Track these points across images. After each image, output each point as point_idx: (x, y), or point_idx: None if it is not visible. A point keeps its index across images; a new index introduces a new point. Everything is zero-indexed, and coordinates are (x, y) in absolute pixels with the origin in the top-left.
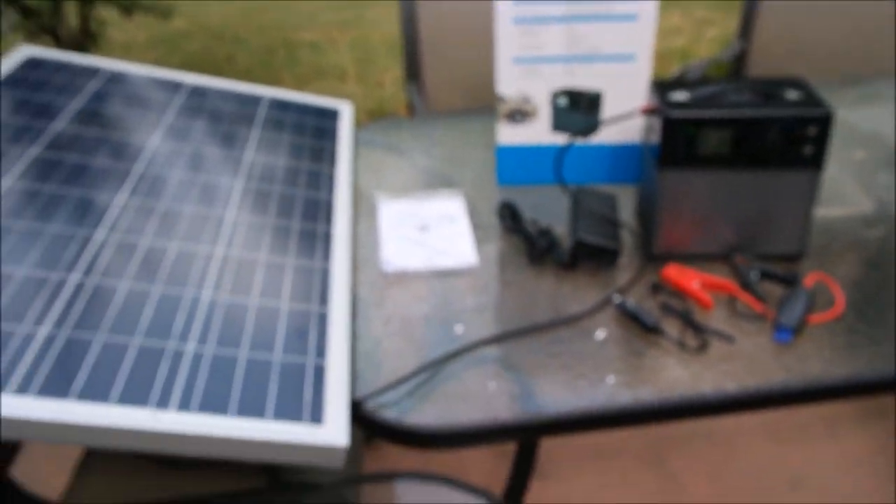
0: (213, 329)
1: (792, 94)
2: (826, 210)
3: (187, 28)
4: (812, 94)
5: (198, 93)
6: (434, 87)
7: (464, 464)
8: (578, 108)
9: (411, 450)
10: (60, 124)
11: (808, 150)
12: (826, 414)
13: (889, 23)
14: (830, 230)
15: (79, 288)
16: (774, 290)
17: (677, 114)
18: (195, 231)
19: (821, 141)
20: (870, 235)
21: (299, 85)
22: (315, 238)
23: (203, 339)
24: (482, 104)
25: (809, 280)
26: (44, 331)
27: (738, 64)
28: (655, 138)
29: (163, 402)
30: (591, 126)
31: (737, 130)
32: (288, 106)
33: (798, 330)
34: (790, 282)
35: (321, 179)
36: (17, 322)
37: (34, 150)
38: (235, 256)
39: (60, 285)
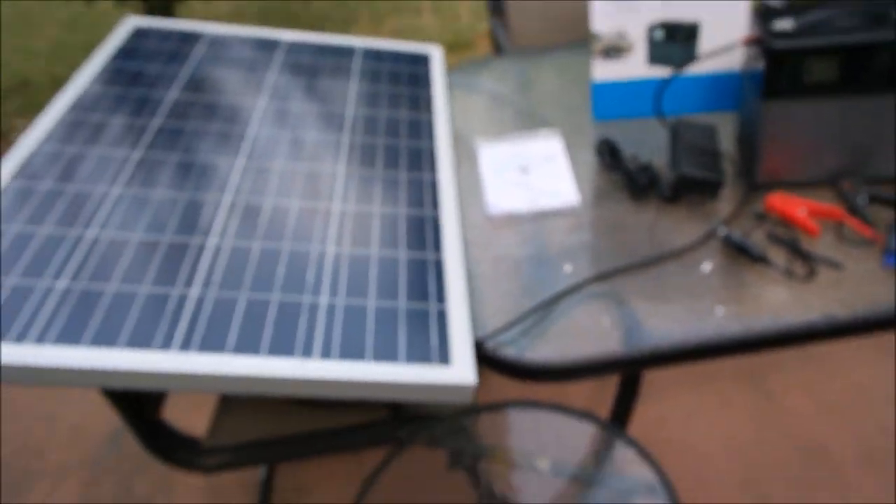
0: (341, 281)
1: None
2: None
3: None
4: None
5: (295, 49)
6: (518, 20)
7: (566, 391)
8: (676, 40)
9: (517, 381)
10: (174, 93)
11: None
12: None
13: None
14: None
15: (217, 251)
16: (883, 213)
17: (781, 44)
18: (311, 189)
19: None
20: None
21: (376, 22)
22: (422, 186)
23: (334, 292)
24: (567, 37)
25: None
26: (195, 291)
27: None
28: (758, 68)
29: (307, 352)
30: (689, 58)
31: (843, 58)
32: (381, 55)
33: None
34: None
35: (421, 128)
36: (170, 285)
37: (157, 121)
38: (352, 211)
39: (201, 249)
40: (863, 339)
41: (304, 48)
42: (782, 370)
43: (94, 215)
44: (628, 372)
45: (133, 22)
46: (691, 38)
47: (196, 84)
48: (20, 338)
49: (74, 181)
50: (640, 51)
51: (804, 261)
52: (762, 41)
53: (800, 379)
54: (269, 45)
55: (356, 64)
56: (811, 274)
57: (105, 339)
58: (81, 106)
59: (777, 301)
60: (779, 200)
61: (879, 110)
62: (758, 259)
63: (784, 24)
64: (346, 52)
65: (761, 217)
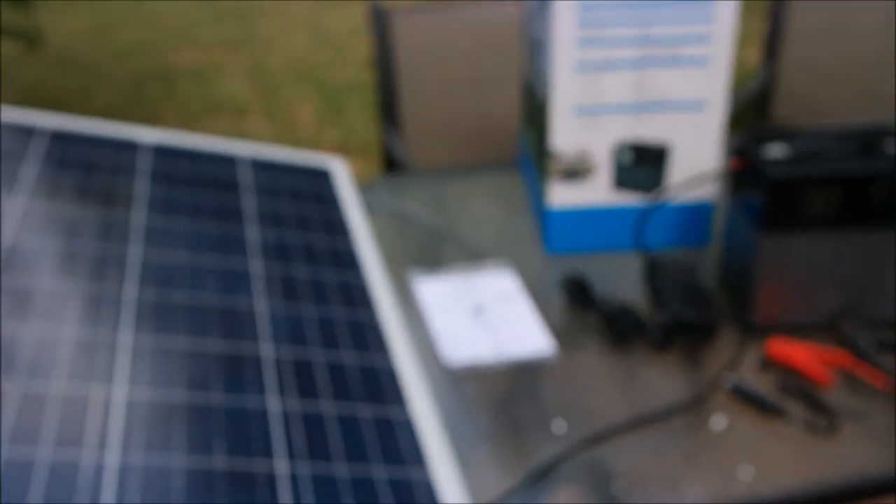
0: (298, 444)
1: (891, 146)
2: None
3: (18, 51)
4: None
5: (163, 153)
6: (419, 134)
7: None
8: (644, 163)
9: None
10: (22, 199)
11: None
12: None
13: None
14: None
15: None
16: (893, 360)
17: (781, 172)
18: (232, 327)
19: None
20: None
21: (188, 125)
22: (364, 328)
23: (293, 456)
24: (479, 156)
25: None
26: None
27: (763, 97)
28: (754, 198)
29: None
30: (658, 183)
31: (844, 188)
32: (272, 167)
33: None
34: None
35: (343, 256)
36: None
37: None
38: (288, 357)
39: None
40: None
41: (174, 153)
42: None
43: None
44: None
45: None
46: (660, 162)
47: (43, 195)
48: None
49: None
50: (603, 174)
51: (823, 413)
52: (757, 168)
53: None
54: (128, 147)
55: (244, 176)
56: (833, 427)
57: None
58: None
59: (803, 458)
60: (781, 346)
61: (880, 246)
62: (774, 411)
63: (777, 150)
64: (227, 161)
65: (765, 365)
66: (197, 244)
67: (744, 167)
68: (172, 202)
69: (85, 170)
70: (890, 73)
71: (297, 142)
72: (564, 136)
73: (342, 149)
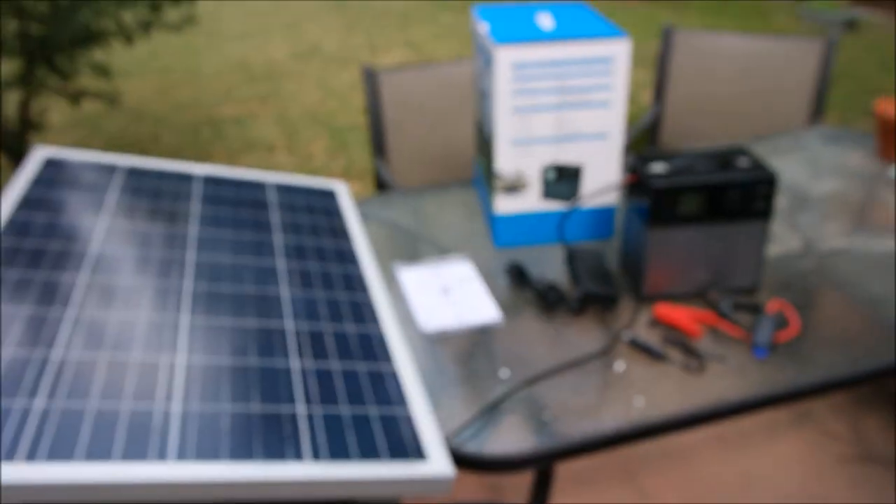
0: (312, 393)
1: (742, 161)
2: (767, 249)
3: (102, 108)
4: (757, 159)
5: (211, 182)
6: (401, 161)
7: (499, 488)
8: (564, 180)
9: (479, 473)
10: (105, 221)
11: (760, 204)
12: (763, 420)
13: (780, 85)
14: (774, 265)
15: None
16: (744, 317)
17: (661, 183)
18: (264, 309)
19: (769, 197)
20: (803, 267)
21: (230, 159)
22: (361, 307)
23: (309, 401)
24: (444, 175)
25: (771, 307)
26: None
27: (654, 127)
28: (643, 203)
29: (298, 455)
30: (575, 193)
31: (707, 194)
32: (291, 189)
33: (770, 348)
34: (756, 309)
35: (345, 255)
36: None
37: (93, 247)
38: (305, 329)
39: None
40: (710, 431)
41: (220, 181)
42: (652, 468)
43: None
44: (569, 459)
45: (42, 153)
46: (576, 178)
47: (124, 213)
48: None
49: None
50: (535, 188)
51: (695, 357)
52: (644, 181)
53: (668, 475)
54: (184, 178)
55: (272, 197)
56: (702, 367)
57: None
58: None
59: (680, 390)
60: (664, 309)
61: (732, 236)
62: (659, 357)
63: (658, 167)
64: (258, 187)
65: (653, 324)
66: (237, 249)
67: (635, 180)
68: (218, 218)
69: (153, 196)
70: (745, 107)
71: (311, 170)
72: (505, 161)
73: (345, 175)
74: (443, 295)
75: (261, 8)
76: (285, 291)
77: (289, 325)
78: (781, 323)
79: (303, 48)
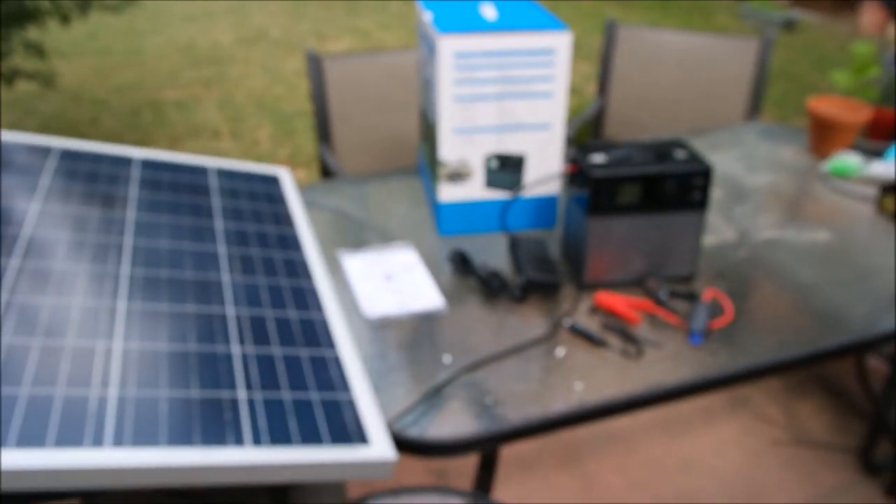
0: (254, 378)
1: (679, 154)
2: (703, 239)
3: (37, 89)
4: (693, 152)
5: (150, 165)
6: (346, 148)
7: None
8: (507, 169)
9: (420, 457)
10: (36, 206)
11: (696, 195)
12: (702, 406)
13: (719, 81)
14: (708, 254)
15: None
16: (681, 304)
17: (600, 173)
18: (203, 295)
19: (705, 188)
20: (738, 256)
21: (173, 144)
22: (304, 293)
23: (250, 387)
24: (390, 163)
25: (706, 295)
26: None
27: (598, 119)
28: (583, 192)
29: (238, 440)
30: (518, 183)
31: (645, 184)
32: (233, 175)
33: (705, 334)
34: (692, 297)
35: (288, 241)
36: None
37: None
38: (246, 315)
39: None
40: (652, 417)
41: (159, 165)
42: (596, 453)
43: None
44: (509, 442)
45: None
46: (519, 167)
47: (58, 196)
48: None
49: None
50: (478, 177)
51: (633, 343)
52: (584, 171)
53: (611, 459)
54: (123, 162)
55: (213, 182)
56: (640, 352)
57: None
58: None
59: (619, 375)
60: (604, 297)
61: (669, 225)
62: (599, 343)
63: (598, 157)
64: (199, 171)
65: (593, 310)
66: (176, 234)
67: (576, 170)
68: (157, 202)
69: (89, 179)
70: (686, 102)
71: (257, 157)
72: (449, 149)
73: (291, 162)
74: (386, 281)
75: None
76: (226, 277)
77: (230, 310)
78: (716, 310)
79: (248, 33)
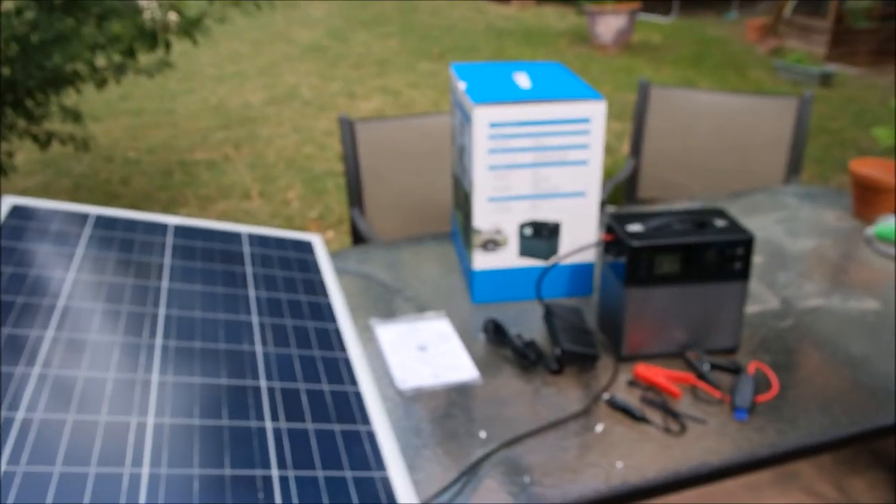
0: (287, 455)
1: (719, 222)
2: (746, 308)
3: (70, 149)
4: (733, 220)
5: (183, 232)
6: (378, 212)
7: None
8: (541, 236)
9: None
10: (73, 274)
11: (737, 265)
12: (749, 481)
13: (756, 141)
14: (752, 324)
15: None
16: (724, 378)
17: (638, 242)
18: (236, 369)
19: (746, 258)
20: (782, 326)
21: (203, 205)
22: (338, 364)
23: (283, 464)
24: (424, 228)
25: (751, 368)
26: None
27: (631, 181)
28: (620, 262)
29: None
30: (553, 251)
31: (685, 253)
32: (266, 241)
33: (751, 409)
34: (736, 371)
35: (322, 309)
36: None
37: (61, 302)
38: (278, 387)
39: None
40: (693, 492)
41: (192, 231)
42: None
43: None
44: None
45: (10, 201)
46: (554, 235)
47: (92, 266)
48: None
49: None
50: (512, 244)
51: (675, 418)
52: (622, 240)
53: None
54: (158, 228)
55: (246, 248)
56: (682, 429)
57: None
58: None
59: (661, 452)
60: (643, 369)
61: (710, 296)
62: (639, 419)
63: (635, 226)
64: (232, 238)
65: (633, 384)
66: (210, 303)
67: (613, 239)
68: (191, 270)
69: (124, 247)
70: (722, 163)
71: (287, 217)
72: (483, 217)
73: (321, 222)
74: (420, 352)
75: (237, 52)
76: (259, 348)
77: (263, 383)
78: (761, 384)
79: (279, 93)
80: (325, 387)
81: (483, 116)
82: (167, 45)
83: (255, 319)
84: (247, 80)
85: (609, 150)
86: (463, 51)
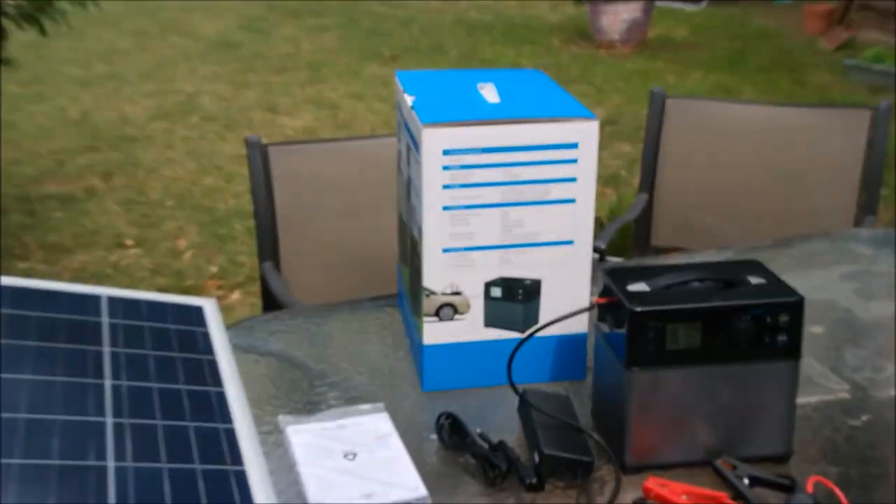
0: None
1: (755, 279)
2: (800, 398)
3: None
4: (775, 277)
5: (14, 296)
6: (296, 268)
7: None
8: (515, 299)
9: None
10: None
11: (782, 338)
12: None
13: (813, 170)
14: (810, 421)
15: None
16: (772, 496)
17: (643, 307)
18: (80, 489)
19: (795, 328)
20: (854, 424)
21: (53, 257)
22: (228, 481)
23: None
24: (361, 290)
25: (809, 484)
26: None
27: (642, 223)
28: (619, 333)
29: None
30: (530, 319)
31: (707, 322)
32: (138, 306)
33: None
34: (788, 488)
35: (210, 404)
36: None
37: None
38: None
39: None
40: None
41: (28, 294)
42: None
43: None
44: None
45: None
46: (532, 298)
47: None
48: None
49: None
50: (476, 310)
51: None
52: (621, 304)
53: None
54: None
55: (104, 319)
56: None
57: None
58: None
59: None
60: (656, 486)
61: (747, 381)
62: None
63: (639, 286)
64: (86, 303)
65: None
66: (43, 399)
67: (610, 303)
68: (19, 353)
69: None
70: (766, 200)
71: (176, 273)
72: (437, 274)
73: (224, 281)
74: (347, 461)
75: (112, 47)
76: (111, 463)
77: None
78: None
79: (170, 104)
80: None
81: (434, 140)
82: None
83: (109, 421)
84: (125, 86)
85: (617, 181)
86: (424, 52)
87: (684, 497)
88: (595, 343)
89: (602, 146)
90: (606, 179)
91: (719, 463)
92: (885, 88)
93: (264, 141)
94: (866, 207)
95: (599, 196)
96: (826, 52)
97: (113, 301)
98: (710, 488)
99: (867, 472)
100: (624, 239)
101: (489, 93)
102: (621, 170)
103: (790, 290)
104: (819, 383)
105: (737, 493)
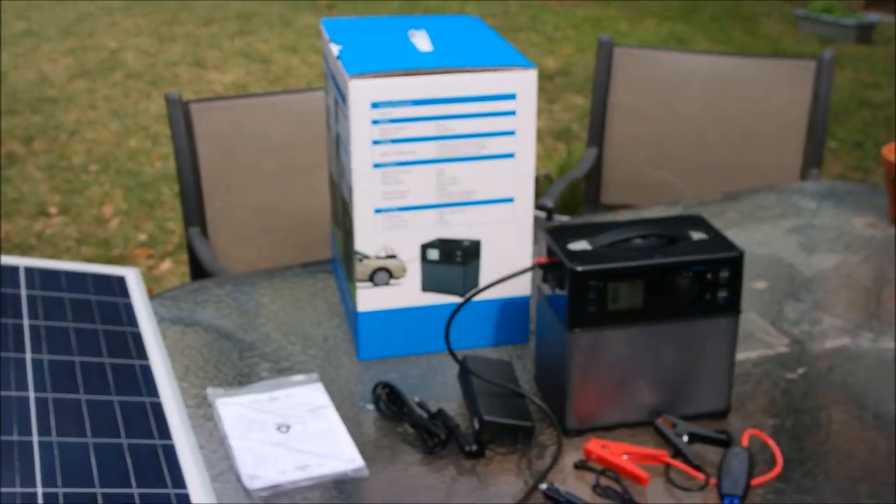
0: None
1: (697, 235)
2: (741, 354)
3: None
4: (717, 232)
5: None
6: (226, 233)
7: None
8: (453, 261)
9: None
10: None
11: (723, 294)
12: None
13: (761, 122)
14: (749, 376)
15: None
16: (709, 452)
17: (584, 266)
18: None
19: (735, 283)
20: (791, 378)
21: None
22: (157, 455)
23: None
24: (293, 256)
25: (745, 438)
26: None
27: (591, 180)
28: (560, 294)
29: None
30: (470, 282)
31: (649, 280)
32: (56, 276)
33: (745, 495)
34: (725, 443)
35: (136, 377)
36: None
37: None
38: (62, 494)
39: None
40: None
41: None
42: None
43: None
44: None
45: None
46: (471, 260)
47: None
48: None
49: None
50: (413, 274)
51: None
52: (562, 264)
53: None
54: None
55: (22, 291)
56: None
57: None
58: None
59: None
60: (597, 447)
61: (687, 338)
62: None
63: (581, 244)
64: (3, 275)
65: (582, 466)
66: None
67: (550, 263)
68: None
69: None
70: (714, 152)
71: (102, 242)
72: (368, 237)
73: (153, 249)
74: (280, 434)
75: (31, 3)
76: (35, 437)
77: (38, 490)
78: (759, 459)
79: (91, 61)
80: (135, 491)
81: (362, 92)
82: None
83: (31, 395)
84: (43, 43)
85: (569, 135)
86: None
87: (625, 457)
88: (537, 305)
89: (553, 98)
90: (558, 134)
91: (660, 422)
92: (834, 39)
93: (185, 98)
94: (812, 160)
95: (550, 151)
96: (778, 2)
97: (31, 272)
98: (651, 447)
99: (800, 422)
100: (574, 197)
101: (421, 41)
102: (573, 123)
103: (731, 245)
104: (760, 338)
105: (676, 451)
